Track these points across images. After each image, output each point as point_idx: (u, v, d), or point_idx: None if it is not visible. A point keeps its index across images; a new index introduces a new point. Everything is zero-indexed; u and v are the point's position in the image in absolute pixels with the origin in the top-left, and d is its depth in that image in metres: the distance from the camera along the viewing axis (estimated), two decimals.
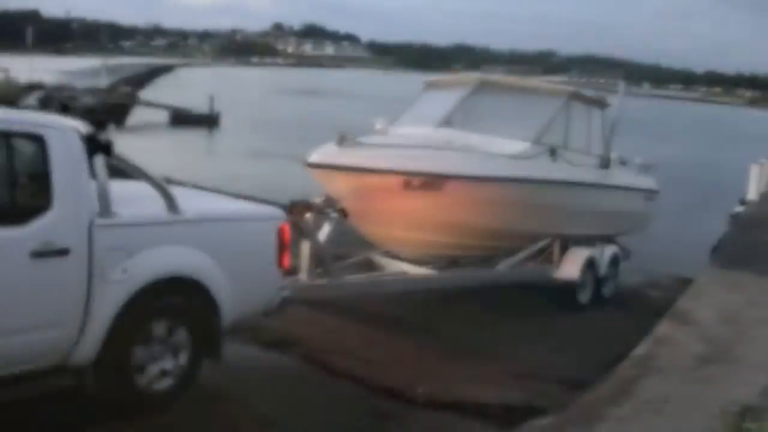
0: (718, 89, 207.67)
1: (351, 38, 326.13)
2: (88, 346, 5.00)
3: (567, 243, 10.55)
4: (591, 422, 5.91)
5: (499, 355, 8.12)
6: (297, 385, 6.78)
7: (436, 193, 8.35)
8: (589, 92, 11.60)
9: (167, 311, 5.46)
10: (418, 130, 9.74)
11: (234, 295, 5.72)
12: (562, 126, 10.41)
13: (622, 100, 11.79)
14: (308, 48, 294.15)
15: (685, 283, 13.16)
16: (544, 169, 9.79)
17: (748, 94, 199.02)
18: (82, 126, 5.19)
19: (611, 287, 11.42)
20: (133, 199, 5.43)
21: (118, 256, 5.07)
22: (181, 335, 5.53)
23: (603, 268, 11.01)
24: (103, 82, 44.89)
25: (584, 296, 10.69)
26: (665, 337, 8.18)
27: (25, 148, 4.88)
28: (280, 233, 6.20)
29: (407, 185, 8.18)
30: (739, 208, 20.03)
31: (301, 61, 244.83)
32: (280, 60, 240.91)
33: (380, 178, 8.04)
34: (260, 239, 6.13)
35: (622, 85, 12.12)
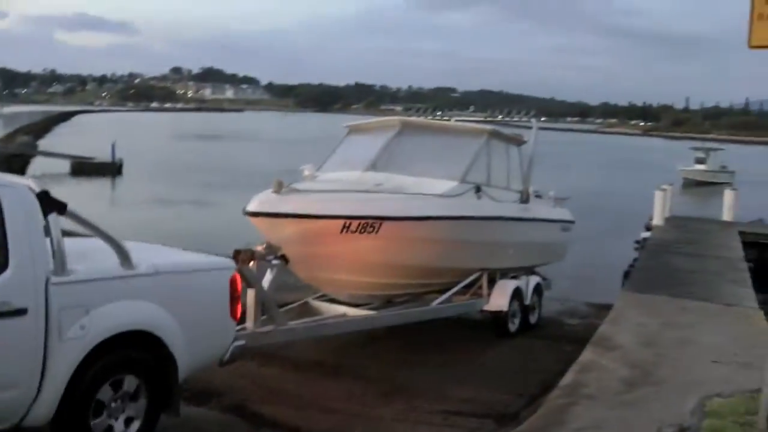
0: (613, 120, 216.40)
1: (250, 81, 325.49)
2: (45, 406, 4.90)
3: (494, 276, 10.87)
4: None
5: (428, 393, 8.03)
6: None
7: (372, 235, 8.55)
8: (506, 130, 12.20)
9: (123, 366, 5.35)
10: (347, 175, 9.89)
11: (189, 346, 5.68)
12: (484, 164, 10.74)
13: (537, 137, 12.34)
14: (208, 92, 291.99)
15: (600, 309, 13.55)
16: (472, 206, 10.08)
17: (642, 123, 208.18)
18: (34, 183, 5.15)
19: (536, 315, 11.83)
20: (85, 254, 5.39)
21: (75, 313, 5.01)
22: (139, 390, 5.44)
23: (528, 298, 11.41)
24: None
25: (513, 325, 10.96)
26: (590, 364, 8.26)
27: None
28: (232, 283, 6.19)
29: (345, 228, 8.36)
30: (645, 234, 20.74)
31: (201, 105, 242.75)
32: (179, 104, 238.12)
33: (320, 223, 8.20)
34: (213, 290, 6.11)
35: (534, 123, 12.81)
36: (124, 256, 5.44)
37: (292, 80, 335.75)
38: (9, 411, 4.80)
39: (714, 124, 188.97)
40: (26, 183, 5.16)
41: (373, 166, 10.11)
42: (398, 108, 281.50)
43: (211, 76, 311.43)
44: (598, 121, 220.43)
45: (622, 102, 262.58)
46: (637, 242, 22.53)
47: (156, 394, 5.51)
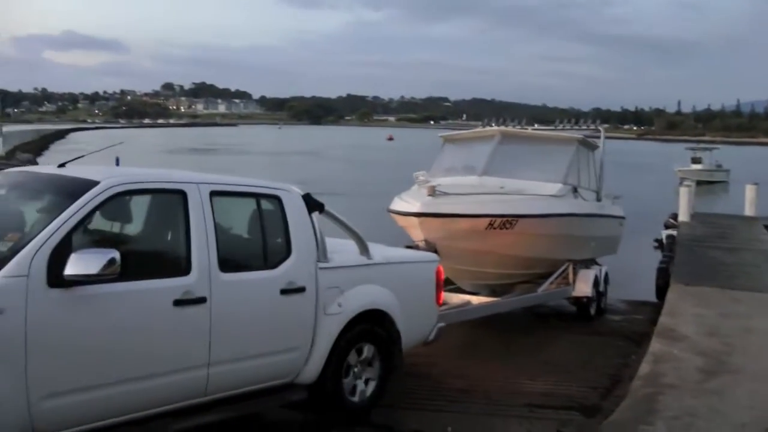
0: (606, 125, 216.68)
1: (242, 95, 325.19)
2: (314, 367, 6.02)
3: (576, 266, 11.92)
4: None
5: (505, 388, 7.95)
6: None
7: (509, 231, 9.93)
8: (590, 138, 13.24)
9: (367, 337, 6.47)
10: (468, 180, 11.10)
11: (409, 324, 6.82)
12: (576, 168, 11.95)
13: (605, 144, 13.71)
14: (200, 107, 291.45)
15: (637, 306, 13.57)
16: (575, 205, 11.53)
17: (635, 128, 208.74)
18: (298, 188, 6.30)
19: (605, 301, 12.75)
20: (332, 248, 6.42)
21: (334, 293, 6.18)
22: (374, 357, 6.56)
23: (602, 285, 12.41)
24: (0, 149, 43.17)
25: (593, 310, 11.96)
26: (663, 355, 8.23)
27: (269, 207, 6.02)
28: (438, 274, 7.41)
29: (491, 225, 9.76)
30: (666, 232, 20.76)
31: (194, 120, 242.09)
32: (172, 120, 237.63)
33: (472, 221, 9.60)
34: (425, 278, 7.31)
35: (602, 131, 14.29)
36: (364, 248, 6.64)
37: (284, 94, 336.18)
38: (290, 369, 5.92)
39: (707, 126, 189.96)
40: (294, 188, 6.27)
41: (486, 172, 11.29)
42: (391, 118, 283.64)
43: (203, 91, 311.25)
44: (586, 124, 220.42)
45: (615, 107, 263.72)
46: (657, 240, 22.60)
47: (387, 362, 6.64)
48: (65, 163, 5.59)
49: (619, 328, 11.66)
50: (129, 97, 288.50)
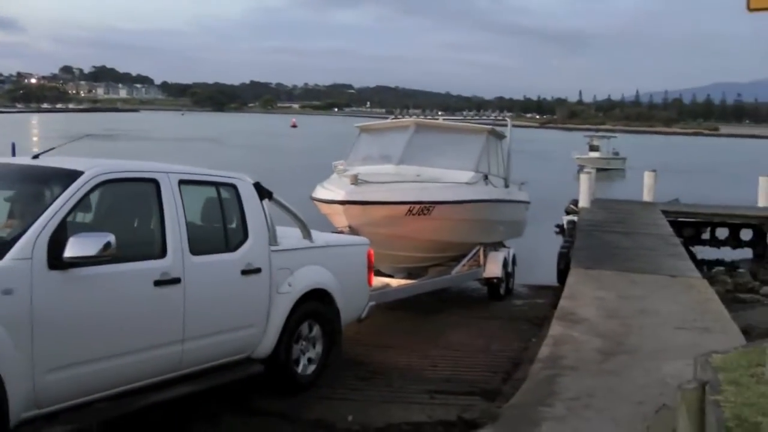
0: (510, 114, 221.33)
1: (144, 80, 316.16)
2: (268, 342, 6.60)
3: (486, 248, 12.57)
4: (533, 426, 5.83)
5: (406, 375, 7.92)
6: None
7: (427, 217, 10.51)
8: (497, 128, 13.88)
9: (311, 314, 7.07)
10: (385, 168, 11.59)
11: (346, 303, 7.49)
12: (486, 156, 12.57)
13: (511, 133, 14.44)
14: (101, 91, 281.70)
15: (539, 290, 13.81)
16: (486, 191, 12.08)
17: (538, 117, 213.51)
18: (249, 177, 6.81)
19: (513, 281, 13.46)
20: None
21: (284, 273, 6.78)
22: (317, 332, 7.19)
23: (510, 266, 13.12)
24: None
25: (502, 290, 12.64)
26: (562, 337, 8.34)
27: (227, 195, 6.52)
28: (369, 257, 8.13)
29: (410, 212, 10.34)
30: (567, 218, 21.18)
31: (95, 105, 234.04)
32: (71, 105, 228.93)
33: (394, 208, 10.15)
34: (358, 261, 7.99)
35: (509, 122, 15.11)
36: (307, 233, 7.28)
37: (187, 80, 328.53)
38: (248, 344, 6.47)
39: (607, 115, 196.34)
40: (246, 177, 6.78)
41: (402, 161, 11.81)
42: (295, 105, 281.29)
43: (103, 75, 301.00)
44: (494, 114, 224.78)
45: (517, 96, 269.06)
46: (558, 226, 23.06)
47: (328, 336, 7.29)
48: (39, 154, 5.97)
49: (520, 312, 11.81)
50: (26, 81, 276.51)
